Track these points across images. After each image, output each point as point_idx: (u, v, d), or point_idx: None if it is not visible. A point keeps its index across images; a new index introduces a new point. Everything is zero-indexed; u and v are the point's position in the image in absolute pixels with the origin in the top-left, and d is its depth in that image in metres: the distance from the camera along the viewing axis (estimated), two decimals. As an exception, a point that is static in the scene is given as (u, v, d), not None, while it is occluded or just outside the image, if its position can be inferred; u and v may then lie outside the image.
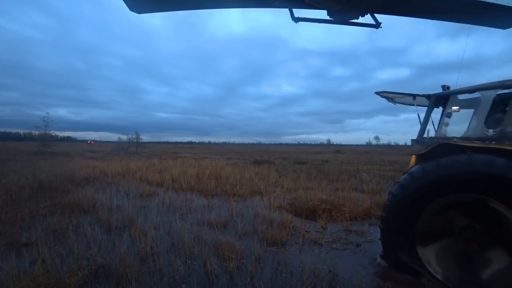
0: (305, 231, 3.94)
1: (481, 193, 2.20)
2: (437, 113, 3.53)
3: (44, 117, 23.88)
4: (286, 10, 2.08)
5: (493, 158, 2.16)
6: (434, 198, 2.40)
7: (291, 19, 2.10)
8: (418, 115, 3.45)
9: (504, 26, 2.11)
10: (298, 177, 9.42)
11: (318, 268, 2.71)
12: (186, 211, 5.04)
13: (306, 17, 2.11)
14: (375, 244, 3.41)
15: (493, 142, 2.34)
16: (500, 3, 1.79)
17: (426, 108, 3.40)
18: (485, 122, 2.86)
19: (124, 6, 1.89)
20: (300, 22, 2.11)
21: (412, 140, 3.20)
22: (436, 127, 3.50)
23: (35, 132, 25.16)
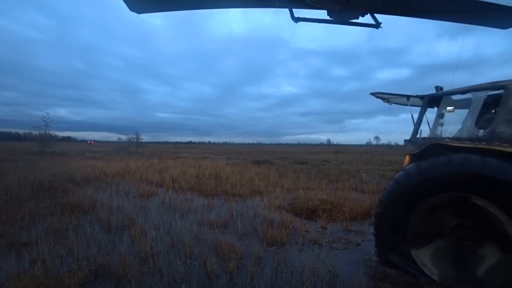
0: (305, 231, 3.94)
1: (463, 191, 2.27)
2: (434, 113, 3.57)
3: (44, 117, 23.90)
4: (286, 10, 2.08)
5: (469, 156, 2.26)
6: (421, 199, 2.46)
7: (291, 19, 2.10)
8: (412, 115, 3.52)
9: (504, 26, 2.12)
10: (298, 177, 9.42)
11: (318, 268, 2.71)
12: (186, 211, 5.03)
13: (306, 17, 2.11)
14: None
15: (483, 143, 2.39)
16: (500, 3, 1.79)
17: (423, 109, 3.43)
18: (477, 123, 2.94)
19: (124, 6, 1.89)
20: (300, 22, 2.12)
21: (405, 140, 3.26)
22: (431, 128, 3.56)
23: (35, 132, 25.18)
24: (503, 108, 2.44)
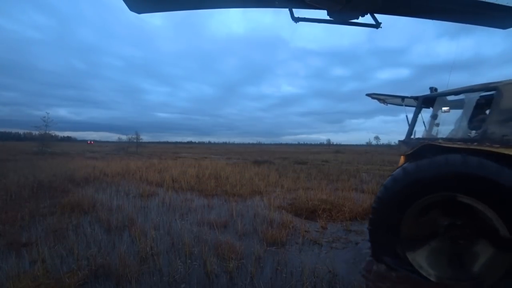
0: (305, 231, 3.94)
1: (449, 191, 2.31)
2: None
3: (44, 117, 23.89)
4: (286, 10, 2.07)
5: (450, 156, 2.32)
6: (411, 202, 2.49)
7: (291, 19, 2.10)
8: (407, 116, 3.58)
9: (504, 26, 2.12)
10: (298, 177, 9.42)
11: (318, 268, 2.72)
12: (186, 211, 5.03)
13: (306, 17, 2.11)
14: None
15: (475, 143, 2.43)
16: (500, 3, 1.79)
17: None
18: (469, 124, 2.98)
19: (124, 6, 1.89)
20: (300, 22, 2.11)
21: (399, 141, 3.30)
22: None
23: (35, 132, 25.17)
24: (495, 109, 2.48)
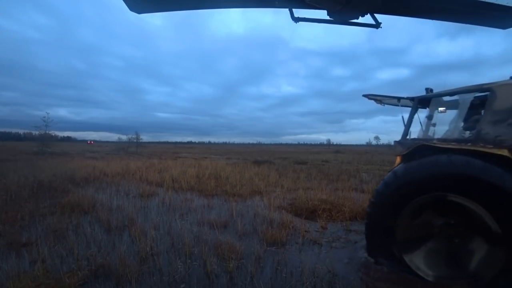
0: (305, 231, 3.94)
1: (439, 191, 2.35)
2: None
3: (44, 117, 23.85)
4: (286, 10, 2.07)
5: (438, 157, 2.37)
6: (404, 203, 2.52)
7: (291, 19, 2.10)
8: (402, 117, 3.59)
9: (504, 26, 2.12)
10: (298, 177, 9.42)
11: (318, 267, 2.72)
12: (186, 211, 5.03)
13: (306, 17, 2.11)
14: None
15: (469, 144, 2.45)
16: (500, 3, 1.79)
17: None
18: (464, 124, 3.01)
19: (124, 6, 1.89)
20: (300, 22, 2.12)
21: (395, 141, 3.32)
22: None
23: (35, 132, 25.14)
24: (488, 110, 2.50)
